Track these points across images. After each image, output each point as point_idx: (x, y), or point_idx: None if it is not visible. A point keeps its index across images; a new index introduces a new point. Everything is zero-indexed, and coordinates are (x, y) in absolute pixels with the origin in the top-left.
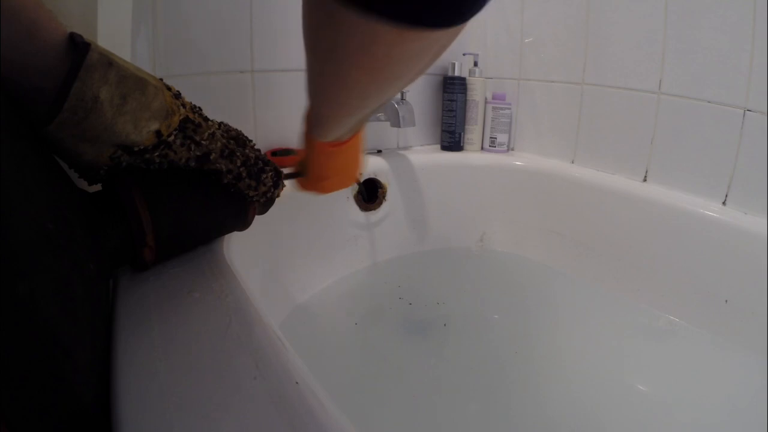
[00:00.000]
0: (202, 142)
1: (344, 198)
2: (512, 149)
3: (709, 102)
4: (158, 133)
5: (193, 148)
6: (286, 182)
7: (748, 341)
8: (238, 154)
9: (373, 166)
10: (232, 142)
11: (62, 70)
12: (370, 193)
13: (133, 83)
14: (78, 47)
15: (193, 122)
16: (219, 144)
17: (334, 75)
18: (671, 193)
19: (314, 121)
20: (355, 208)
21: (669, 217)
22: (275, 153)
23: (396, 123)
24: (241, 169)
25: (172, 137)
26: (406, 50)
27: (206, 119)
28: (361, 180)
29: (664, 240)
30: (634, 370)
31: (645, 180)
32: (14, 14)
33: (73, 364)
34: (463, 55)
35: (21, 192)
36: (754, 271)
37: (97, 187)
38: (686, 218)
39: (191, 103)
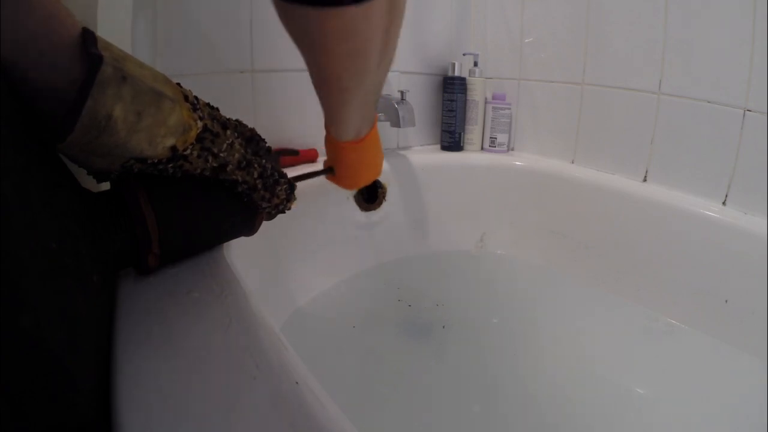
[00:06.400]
0: (220, 154)
1: (344, 198)
2: (512, 149)
3: (709, 102)
4: (174, 148)
5: (210, 160)
6: (300, 186)
7: (748, 342)
8: (255, 165)
9: None
10: (249, 152)
11: (78, 70)
12: (370, 193)
13: (148, 99)
14: (91, 59)
15: (211, 132)
16: (237, 155)
17: (311, 64)
18: (671, 193)
19: (329, 122)
20: (355, 208)
21: (669, 217)
22: (275, 153)
23: (396, 123)
24: (257, 181)
25: (189, 150)
26: (337, 26)
27: (225, 126)
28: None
29: (664, 240)
30: (633, 372)
31: (645, 180)
32: (31, 9)
33: (76, 387)
34: (463, 55)
35: (23, 208)
36: (754, 271)
37: (105, 185)
38: (686, 218)
39: (209, 106)
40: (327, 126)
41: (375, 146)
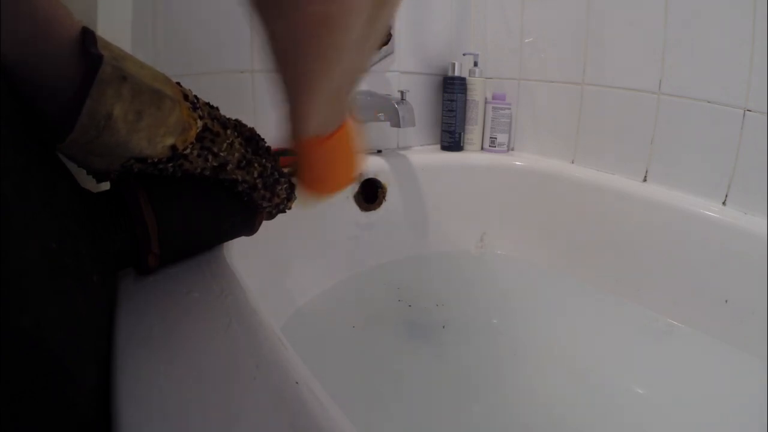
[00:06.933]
0: (220, 153)
1: (344, 198)
2: (512, 149)
3: (709, 102)
4: (173, 147)
5: (210, 159)
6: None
7: (748, 342)
8: (256, 164)
9: (373, 166)
10: (249, 151)
11: (77, 70)
12: (370, 193)
13: (148, 98)
14: (90, 58)
15: (211, 131)
16: (237, 155)
17: (272, 33)
18: (671, 193)
19: (291, 113)
20: (355, 208)
21: (669, 217)
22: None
23: (396, 123)
24: (258, 180)
25: (188, 149)
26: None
27: (225, 125)
28: (361, 180)
29: (664, 240)
30: (633, 372)
31: (645, 180)
32: (32, 10)
33: (77, 387)
34: (463, 55)
35: (23, 208)
36: (754, 271)
37: (105, 185)
38: (686, 218)
39: (209, 105)
40: (288, 119)
41: (346, 144)
